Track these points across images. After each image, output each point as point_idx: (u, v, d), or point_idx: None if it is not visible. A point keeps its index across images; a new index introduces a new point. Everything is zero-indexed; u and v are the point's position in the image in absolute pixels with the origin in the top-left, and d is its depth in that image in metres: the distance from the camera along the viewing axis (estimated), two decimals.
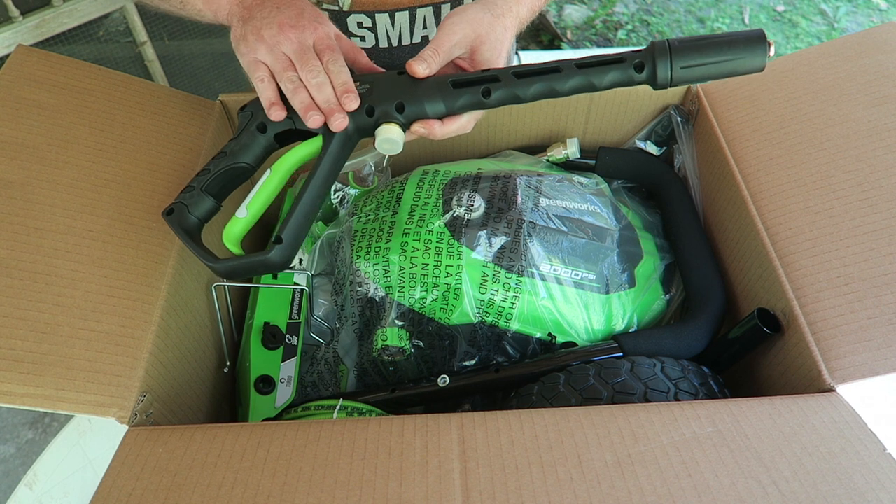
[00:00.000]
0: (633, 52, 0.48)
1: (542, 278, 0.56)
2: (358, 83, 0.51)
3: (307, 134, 0.52)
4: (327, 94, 0.49)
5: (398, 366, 0.60)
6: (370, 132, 0.51)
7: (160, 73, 1.38)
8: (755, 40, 0.45)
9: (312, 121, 0.49)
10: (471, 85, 0.50)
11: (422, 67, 0.49)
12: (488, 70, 0.50)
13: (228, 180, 0.53)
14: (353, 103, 0.49)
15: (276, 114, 0.50)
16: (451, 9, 0.71)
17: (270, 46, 0.49)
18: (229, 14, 0.54)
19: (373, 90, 0.51)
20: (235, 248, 0.51)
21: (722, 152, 0.61)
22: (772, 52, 0.45)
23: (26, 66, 0.58)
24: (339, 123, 0.49)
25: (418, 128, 0.51)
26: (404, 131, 0.51)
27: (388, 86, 0.51)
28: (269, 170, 0.52)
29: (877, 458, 0.39)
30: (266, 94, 0.50)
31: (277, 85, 0.50)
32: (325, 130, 0.51)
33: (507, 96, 0.49)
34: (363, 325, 0.60)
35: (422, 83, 0.50)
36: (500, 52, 0.54)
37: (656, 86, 0.47)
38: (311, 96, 0.49)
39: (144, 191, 0.55)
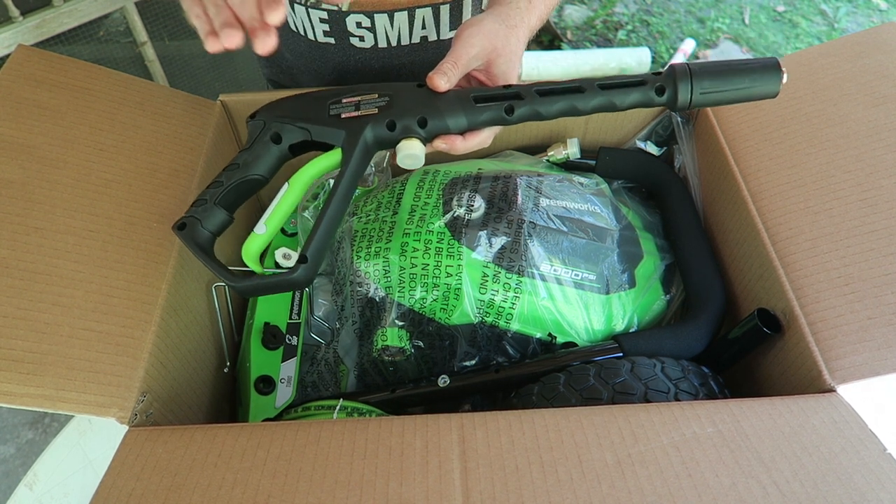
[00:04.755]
0: (653, 74, 0.48)
1: (543, 278, 0.56)
2: (377, 95, 0.51)
3: (323, 145, 0.51)
4: (250, 10, 0.44)
5: (398, 366, 0.60)
6: (390, 146, 0.51)
7: (160, 73, 1.38)
8: (771, 68, 0.47)
9: (227, 38, 0.44)
10: (493, 101, 0.49)
11: (443, 81, 0.49)
12: (510, 86, 0.50)
13: (241, 193, 0.51)
14: (277, 16, 0.43)
15: (211, 45, 0.45)
16: (451, 10, 0.71)
17: None
18: None
19: (392, 103, 0.50)
20: (256, 266, 0.50)
21: (722, 152, 0.61)
22: (785, 80, 0.47)
23: (26, 66, 0.58)
24: (262, 44, 0.44)
25: (440, 143, 0.51)
26: (425, 146, 0.50)
27: (408, 99, 0.50)
28: (286, 184, 0.50)
29: (877, 458, 0.39)
30: (202, 28, 0.46)
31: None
32: (344, 143, 0.50)
33: (530, 113, 0.49)
34: (363, 325, 0.60)
35: (443, 97, 0.50)
36: (515, 63, 0.54)
37: (675, 108, 0.48)
38: (234, 15, 0.44)
39: (144, 191, 0.55)
